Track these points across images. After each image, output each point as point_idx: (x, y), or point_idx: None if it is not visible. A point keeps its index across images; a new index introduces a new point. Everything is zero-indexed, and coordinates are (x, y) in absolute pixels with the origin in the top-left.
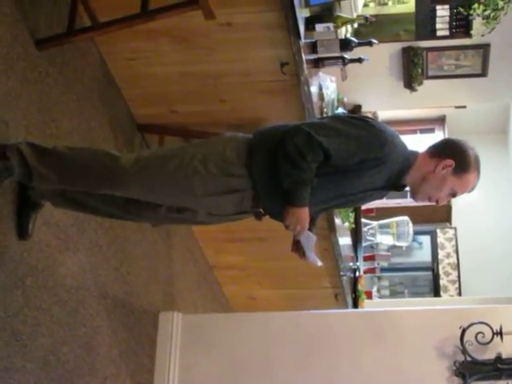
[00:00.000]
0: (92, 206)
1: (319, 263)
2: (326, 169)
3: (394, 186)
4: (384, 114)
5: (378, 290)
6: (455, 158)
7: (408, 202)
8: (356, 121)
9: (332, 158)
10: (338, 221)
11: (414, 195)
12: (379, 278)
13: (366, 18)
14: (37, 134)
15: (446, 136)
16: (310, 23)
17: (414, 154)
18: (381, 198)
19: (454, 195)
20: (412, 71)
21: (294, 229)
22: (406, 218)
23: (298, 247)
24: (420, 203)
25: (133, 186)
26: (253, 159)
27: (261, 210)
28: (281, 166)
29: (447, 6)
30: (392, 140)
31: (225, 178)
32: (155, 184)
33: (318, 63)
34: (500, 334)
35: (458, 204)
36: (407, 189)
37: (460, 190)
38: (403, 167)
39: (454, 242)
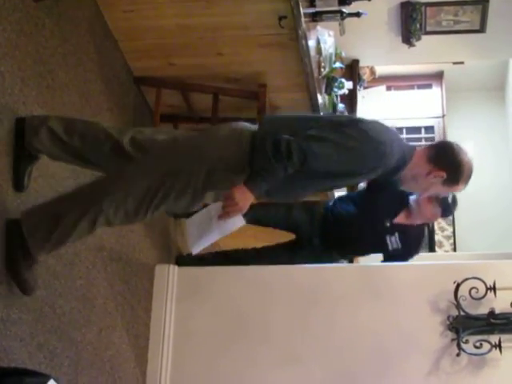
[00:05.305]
0: (94, 161)
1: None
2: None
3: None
4: (382, 69)
5: None
6: (448, 170)
7: None
8: (356, 133)
9: (330, 169)
10: None
11: (401, 183)
12: None
13: None
14: (33, 86)
15: (444, 92)
16: None
17: (411, 152)
18: None
19: (436, 196)
20: (410, 26)
21: (235, 205)
22: None
23: None
24: None
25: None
26: (255, 159)
27: None
28: (264, 151)
29: None
30: (390, 151)
31: (228, 182)
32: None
33: (316, 17)
34: (493, 289)
35: None
36: None
37: (444, 194)
38: (398, 165)
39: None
